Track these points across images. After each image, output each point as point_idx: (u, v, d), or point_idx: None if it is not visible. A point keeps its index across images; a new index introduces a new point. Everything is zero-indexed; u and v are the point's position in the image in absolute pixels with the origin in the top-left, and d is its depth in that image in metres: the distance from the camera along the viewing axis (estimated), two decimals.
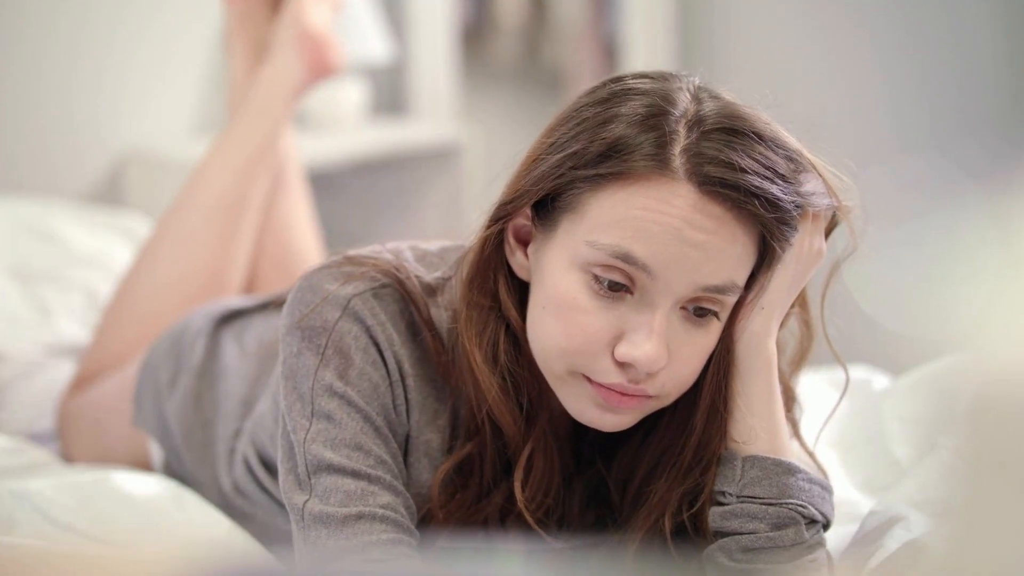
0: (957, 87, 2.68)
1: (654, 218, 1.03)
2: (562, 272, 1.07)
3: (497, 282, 1.13)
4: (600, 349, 1.07)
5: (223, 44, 2.03)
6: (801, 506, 1.09)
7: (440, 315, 1.16)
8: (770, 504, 1.09)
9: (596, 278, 1.06)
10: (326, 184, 2.95)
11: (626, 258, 1.04)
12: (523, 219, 1.12)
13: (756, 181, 1.03)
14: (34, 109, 2.55)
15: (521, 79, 3.83)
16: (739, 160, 1.03)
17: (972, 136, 2.60)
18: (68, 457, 1.69)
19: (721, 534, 1.11)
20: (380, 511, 1.09)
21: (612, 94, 1.08)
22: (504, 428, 1.14)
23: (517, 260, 1.13)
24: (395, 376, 1.14)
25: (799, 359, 1.20)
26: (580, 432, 1.22)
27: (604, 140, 1.05)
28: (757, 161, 1.03)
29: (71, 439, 1.70)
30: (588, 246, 1.05)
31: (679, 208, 1.03)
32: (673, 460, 1.16)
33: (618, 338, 1.06)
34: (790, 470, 1.11)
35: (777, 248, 1.07)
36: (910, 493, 1.28)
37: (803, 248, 1.11)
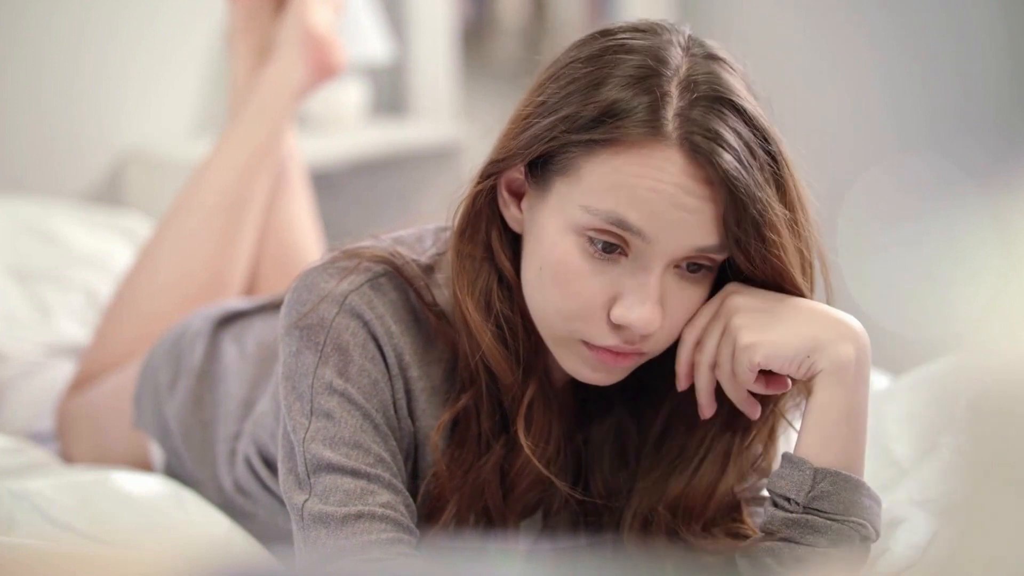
0: (957, 87, 2.68)
1: (648, 184, 1.04)
2: (557, 236, 1.08)
3: (490, 233, 1.14)
4: (596, 312, 1.08)
5: (226, 43, 2.02)
6: (861, 525, 1.08)
7: (442, 293, 1.17)
8: (834, 520, 1.08)
9: (591, 240, 1.06)
10: (326, 184, 2.95)
11: (621, 224, 1.05)
12: (516, 172, 1.12)
13: (734, 166, 1.03)
14: (34, 109, 2.54)
15: (521, 79, 3.83)
16: (727, 136, 1.04)
17: (972, 136, 2.60)
18: (68, 457, 1.69)
19: (774, 537, 1.10)
20: (380, 510, 1.09)
21: (603, 50, 1.08)
22: (500, 376, 1.14)
23: (511, 213, 1.13)
24: (395, 370, 1.14)
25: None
26: (580, 384, 1.22)
27: (597, 104, 1.05)
28: (742, 139, 1.05)
29: (71, 439, 1.70)
30: (583, 211, 1.06)
31: (672, 174, 1.04)
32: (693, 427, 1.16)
33: (613, 300, 1.07)
34: (858, 487, 1.09)
35: (735, 223, 1.06)
36: (910, 493, 1.28)
37: None
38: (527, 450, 1.14)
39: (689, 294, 1.09)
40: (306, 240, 1.93)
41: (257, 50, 1.95)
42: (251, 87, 1.89)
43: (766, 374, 1.12)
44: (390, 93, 3.26)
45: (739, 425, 1.16)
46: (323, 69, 1.88)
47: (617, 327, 1.07)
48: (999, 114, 2.62)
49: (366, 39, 2.89)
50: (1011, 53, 2.60)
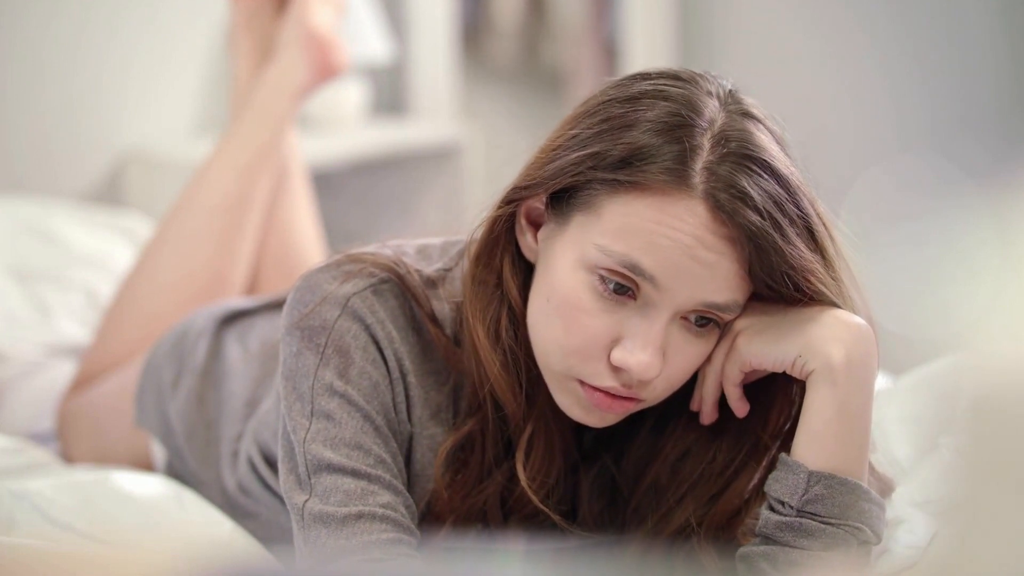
0: (957, 87, 2.68)
1: (666, 232, 1.03)
2: (569, 270, 1.08)
3: (503, 261, 1.14)
4: (597, 351, 1.07)
5: (228, 43, 2.03)
6: (858, 529, 1.08)
7: (442, 307, 1.17)
8: (828, 523, 1.08)
9: (602, 279, 1.06)
10: (326, 184, 2.95)
11: (633, 268, 1.04)
12: (537, 202, 1.12)
13: (759, 223, 1.03)
14: (35, 109, 2.55)
15: (521, 79, 3.83)
16: (753, 194, 1.03)
17: (972, 136, 2.60)
18: (68, 457, 1.69)
19: (770, 540, 1.10)
20: (380, 510, 1.09)
21: (641, 93, 1.07)
22: (505, 406, 1.14)
23: (526, 241, 1.13)
24: (395, 374, 1.14)
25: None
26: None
27: (626, 145, 1.05)
28: (770, 196, 1.04)
29: (71, 439, 1.70)
30: (598, 250, 1.05)
31: (691, 225, 1.03)
32: (701, 465, 1.16)
33: (616, 341, 1.07)
34: (855, 490, 1.08)
35: (752, 283, 1.07)
36: (911, 493, 1.28)
37: None
38: (524, 486, 1.14)
39: (693, 347, 1.09)
40: (307, 240, 1.93)
41: (258, 50, 1.95)
42: (252, 87, 1.90)
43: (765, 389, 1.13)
44: (390, 93, 3.26)
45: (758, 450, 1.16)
46: (324, 69, 1.88)
47: (616, 369, 1.07)
48: (999, 114, 2.62)
49: (366, 39, 2.89)
50: (1011, 53, 2.61)
